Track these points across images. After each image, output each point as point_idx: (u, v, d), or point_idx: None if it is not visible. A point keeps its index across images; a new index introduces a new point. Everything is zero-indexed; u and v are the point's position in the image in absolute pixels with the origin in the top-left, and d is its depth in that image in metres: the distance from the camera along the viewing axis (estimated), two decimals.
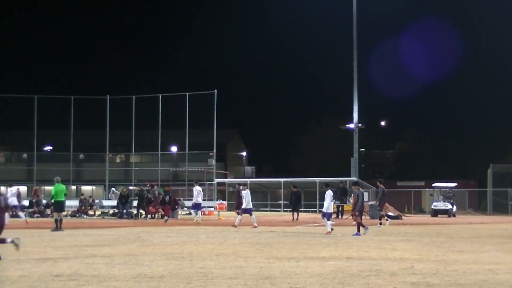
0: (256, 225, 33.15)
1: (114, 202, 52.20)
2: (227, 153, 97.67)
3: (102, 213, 51.06)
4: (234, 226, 33.33)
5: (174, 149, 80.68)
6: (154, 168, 71.87)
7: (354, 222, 28.81)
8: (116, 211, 48.26)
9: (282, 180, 66.92)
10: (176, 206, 47.88)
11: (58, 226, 30.38)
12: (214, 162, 67.77)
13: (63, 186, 31.33)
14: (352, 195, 48.58)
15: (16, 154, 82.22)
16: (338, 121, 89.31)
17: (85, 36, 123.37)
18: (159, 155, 71.13)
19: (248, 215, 33.66)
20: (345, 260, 17.16)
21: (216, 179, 65.91)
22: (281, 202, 67.19)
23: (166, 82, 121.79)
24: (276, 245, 21.94)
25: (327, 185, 30.43)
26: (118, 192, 50.79)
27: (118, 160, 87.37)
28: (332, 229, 28.37)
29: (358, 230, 28.01)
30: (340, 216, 46.96)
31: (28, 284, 12.65)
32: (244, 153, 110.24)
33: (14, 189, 44.10)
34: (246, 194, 33.72)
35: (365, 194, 56.02)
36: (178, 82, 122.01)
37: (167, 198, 47.44)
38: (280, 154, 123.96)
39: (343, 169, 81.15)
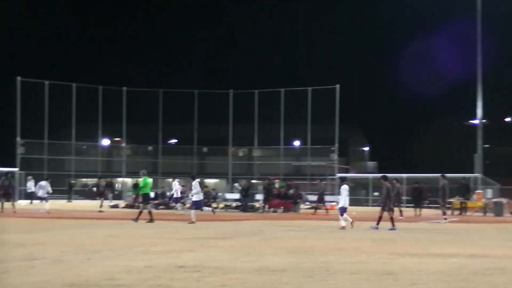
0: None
1: (237, 195, 52.83)
2: (349, 148, 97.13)
3: (225, 206, 51.66)
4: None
5: (296, 143, 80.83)
6: (276, 162, 72.22)
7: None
8: (239, 204, 48.81)
9: (404, 175, 66.15)
10: (298, 200, 48.11)
11: (137, 217, 31.03)
12: (336, 157, 67.53)
13: (150, 179, 32.35)
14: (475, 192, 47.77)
15: (142, 147, 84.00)
16: (461, 116, 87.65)
17: (213, 30, 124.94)
18: (281, 149, 71.46)
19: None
20: (468, 257, 16.88)
21: (338, 174, 65.67)
22: (403, 198, 66.44)
23: (288, 77, 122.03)
24: (398, 241, 21.77)
25: (344, 180, 30.34)
26: (241, 187, 51.32)
27: (240, 154, 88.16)
28: (352, 223, 28.19)
29: (393, 225, 27.87)
30: (463, 213, 46.21)
31: (153, 274, 12.97)
32: (366, 148, 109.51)
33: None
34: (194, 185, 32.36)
35: (489, 192, 54.81)
36: (300, 77, 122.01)
37: (290, 192, 47.81)
38: (402, 150, 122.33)
39: (466, 165, 79.52)
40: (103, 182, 46.34)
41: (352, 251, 18.00)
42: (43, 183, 43.51)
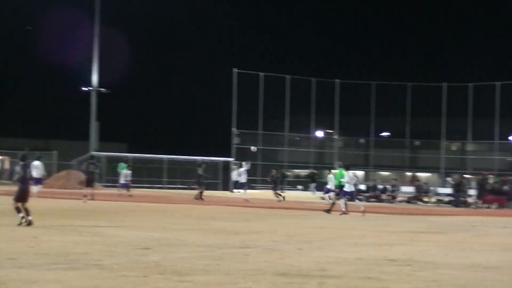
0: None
1: (449, 190, 51.90)
2: None
3: (437, 200, 50.88)
4: None
5: None
6: (490, 157, 70.42)
7: None
8: (451, 198, 47.96)
9: None
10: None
11: (330, 209, 30.94)
12: None
13: (345, 172, 32.24)
14: None
15: (353, 139, 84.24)
16: None
17: (428, 23, 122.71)
18: (496, 144, 69.56)
19: None
20: None
21: None
22: None
23: (506, 70, 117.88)
24: None
25: None
26: (453, 182, 50.28)
27: (453, 148, 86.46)
28: None
29: None
30: None
31: (364, 266, 13.02)
32: None
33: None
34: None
35: None
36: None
37: (505, 188, 46.43)
38: None
39: None
40: (275, 172, 46.65)
41: None
42: (241, 170, 44.74)
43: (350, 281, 11.28)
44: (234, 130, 67.04)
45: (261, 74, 69.32)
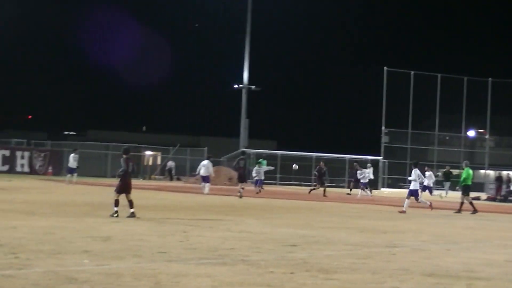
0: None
1: None
2: None
3: None
4: None
5: None
6: None
7: None
8: None
9: None
10: None
11: (474, 209, 30.04)
12: None
13: (472, 171, 31.37)
14: None
15: (506, 139, 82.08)
16: None
17: None
18: None
19: None
20: None
21: None
22: None
23: None
24: None
25: None
26: None
27: None
28: None
29: None
30: None
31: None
32: None
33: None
34: None
35: None
36: None
37: None
38: None
39: None
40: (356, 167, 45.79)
41: None
42: (366, 170, 44.12)
43: (500, 283, 11.09)
44: (383, 128, 66.61)
45: (412, 72, 68.61)
